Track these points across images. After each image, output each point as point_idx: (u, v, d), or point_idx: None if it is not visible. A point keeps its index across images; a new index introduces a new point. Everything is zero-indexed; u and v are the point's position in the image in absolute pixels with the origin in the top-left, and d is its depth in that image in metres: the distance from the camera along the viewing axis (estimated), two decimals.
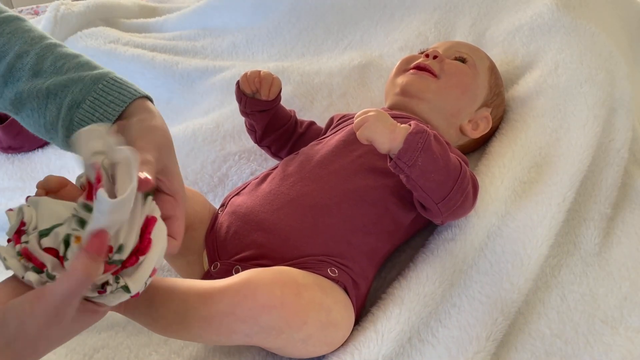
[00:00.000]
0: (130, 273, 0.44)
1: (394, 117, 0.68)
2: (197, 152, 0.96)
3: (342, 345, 0.61)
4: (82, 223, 0.43)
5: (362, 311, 0.67)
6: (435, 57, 0.82)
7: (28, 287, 0.43)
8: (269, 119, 0.82)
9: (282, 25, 1.23)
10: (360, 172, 0.70)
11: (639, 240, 0.72)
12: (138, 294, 0.46)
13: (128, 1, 1.47)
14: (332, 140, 0.76)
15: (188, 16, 1.36)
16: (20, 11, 1.67)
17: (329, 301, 0.59)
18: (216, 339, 0.57)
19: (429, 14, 1.09)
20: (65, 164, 1.08)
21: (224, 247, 0.67)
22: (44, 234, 0.43)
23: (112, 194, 0.41)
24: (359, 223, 0.67)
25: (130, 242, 0.43)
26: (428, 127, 0.66)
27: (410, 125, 0.62)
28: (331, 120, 0.85)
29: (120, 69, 1.16)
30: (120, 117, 0.52)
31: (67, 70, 0.54)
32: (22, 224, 0.44)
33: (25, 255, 0.43)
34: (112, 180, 0.42)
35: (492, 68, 0.87)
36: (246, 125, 0.87)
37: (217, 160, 0.94)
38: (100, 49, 1.21)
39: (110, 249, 0.42)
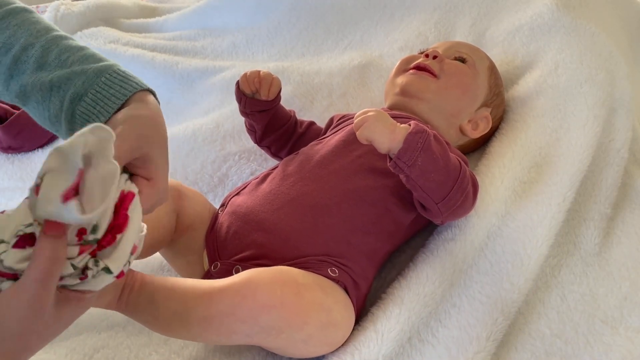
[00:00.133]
0: (108, 253, 0.43)
1: (394, 117, 0.68)
2: (197, 152, 0.96)
3: (342, 345, 0.61)
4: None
5: (362, 311, 0.67)
6: (435, 57, 0.82)
7: None
8: (268, 119, 0.82)
9: (282, 25, 1.23)
10: (360, 172, 0.70)
11: (639, 240, 0.72)
12: (123, 273, 0.44)
13: (128, 1, 1.47)
14: (332, 140, 0.76)
15: (188, 16, 1.36)
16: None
17: (329, 301, 0.59)
18: (216, 338, 0.57)
19: (429, 14, 1.09)
20: None
21: (224, 247, 0.67)
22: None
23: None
24: (358, 223, 0.67)
25: (105, 220, 0.42)
26: (428, 127, 0.66)
27: (410, 125, 0.62)
28: (331, 120, 0.85)
29: None
30: (119, 110, 0.52)
31: (72, 63, 0.54)
32: None
33: None
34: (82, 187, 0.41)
35: (492, 68, 0.87)
36: (246, 126, 0.87)
37: (217, 160, 0.94)
38: (100, 49, 1.21)
39: (84, 231, 0.41)
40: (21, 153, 1.14)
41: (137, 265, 0.78)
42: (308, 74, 1.04)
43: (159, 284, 0.56)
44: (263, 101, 0.80)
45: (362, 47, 1.12)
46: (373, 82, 1.02)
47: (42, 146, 1.15)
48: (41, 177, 0.39)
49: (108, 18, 1.39)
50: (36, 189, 0.39)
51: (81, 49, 0.56)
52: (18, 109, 1.14)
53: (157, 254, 0.73)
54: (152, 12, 1.49)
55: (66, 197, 0.39)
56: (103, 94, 0.51)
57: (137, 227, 0.45)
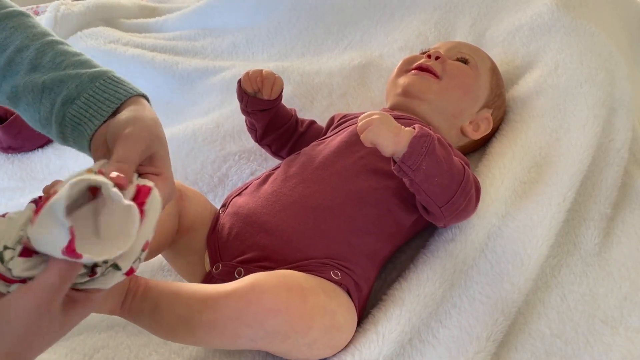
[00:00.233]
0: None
1: (395, 117, 0.68)
2: (197, 152, 0.96)
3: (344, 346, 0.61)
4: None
5: (363, 312, 0.67)
6: (437, 58, 0.82)
7: None
8: (270, 118, 0.82)
9: (282, 25, 1.23)
10: (363, 174, 0.70)
11: (639, 240, 0.72)
12: (132, 270, 0.44)
13: (128, 1, 1.47)
14: (334, 141, 0.76)
15: (188, 16, 1.36)
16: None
17: (333, 305, 0.59)
18: (220, 343, 0.57)
19: (429, 14, 1.09)
20: (65, 164, 1.08)
21: (226, 248, 0.67)
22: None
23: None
24: (360, 224, 0.67)
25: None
26: (431, 129, 0.66)
27: (414, 128, 0.62)
28: (332, 119, 0.85)
29: (120, 69, 1.16)
30: (113, 115, 0.52)
31: (66, 67, 0.54)
32: None
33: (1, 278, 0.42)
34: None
35: (494, 69, 0.87)
36: (247, 124, 0.87)
37: (217, 160, 0.94)
38: (100, 49, 1.21)
39: None
40: (21, 153, 1.14)
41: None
42: (308, 74, 1.04)
43: (163, 289, 0.56)
44: (265, 100, 0.80)
45: (362, 47, 1.12)
46: (373, 82, 1.02)
47: (42, 146, 1.15)
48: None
49: (108, 18, 1.39)
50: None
51: (77, 54, 0.56)
52: None
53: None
54: (152, 12, 1.48)
55: (66, 252, 0.39)
56: (97, 97, 0.52)
57: (153, 223, 0.44)
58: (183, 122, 1.05)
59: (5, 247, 0.40)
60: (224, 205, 0.74)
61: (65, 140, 0.54)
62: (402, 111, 0.81)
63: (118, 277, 0.44)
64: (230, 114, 0.99)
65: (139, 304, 0.55)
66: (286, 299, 0.55)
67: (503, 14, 1.02)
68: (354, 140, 0.73)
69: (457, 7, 1.07)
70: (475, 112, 0.82)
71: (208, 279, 0.66)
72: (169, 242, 0.69)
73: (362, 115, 0.63)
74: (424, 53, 0.86)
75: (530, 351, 0.63)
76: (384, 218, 0.69)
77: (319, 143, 0.78)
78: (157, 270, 0.79)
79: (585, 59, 0.86)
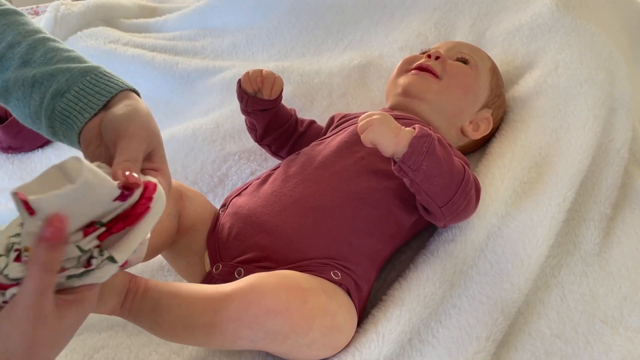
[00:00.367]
0: (113, 242, 0.42)
1: (395, 117, 0.68)
2: (197, 152, 0.96)
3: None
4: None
5: (363, 312, 0.67)
6: (437, 58, 0.82)
7: None
8: (269, 118, 0.82)
9: (282, 25, 1.23)
10: (363, 174, 0.70)
11: (639, 240, 0.72)
12: (127, 262, 0.44)
13: (128, 1, 1.47)
14: (334, 141, 0.76)
15: (188, 16, 1.36)
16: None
17: (333, 305, 0.59)
18: (221, 344, 0.57)
19: (429, 14, 1.09)
20: None
21: (226, 248, 0.67)
22: None
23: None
24: (361, 225, 0.67)
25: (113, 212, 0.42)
26: (431, 129, 0.66)
27: (414, 128, 0.62)
28: (332, 119, 0.85)
29: (120, 69, 1.18)
30: (104, 109, 0.52)
31: (57, 62, 0.54)
32: None
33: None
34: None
35: (494, 69, 0.87)
36: (247, 124, 0.87)
37: (217, 160, 0.94)
38: (100, 49, 1.21)
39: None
40: (21, 153, 1.14)
41: (137, 266, 0.78)
42: (308, 74, 1.04)
43: (163, 290, 0.56)
44: (265, 100, 0.80)
45: (362, 47, 1.12)
46: (373, 82, 1.02)
47: (42, 146, 1.15)
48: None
49: (108, 18, 1.39)
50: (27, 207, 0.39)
51: (68, 50, 0.56)
52: None
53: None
54: (152, 12, 1.49)
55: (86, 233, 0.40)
56: (87, 91, 0.51)
57: (156, 218, 0.44)
58: (183, 122, 1.05)
59: None
60: (223, 206, 0.74)
61: (55, 135, 0.54)
62: (402, 111, 0.81)
63: (113, 270, 0.43)
64: (230, 114, 0.99)
65: (139, 305, 0.55)
66: (286, 300, 0.55)
67: (503, 14, 1.02)
68: (354, 141, 0.73)
69: (457, 7, 1.07)
70: (475, 112, 0.82)
71: (208, 279, 0.66)
72: (169, 242, 0.69)
73: (362, 116, 0.63)
74: (424, 53, 0.86)
75: (530, 351, 0.63)
76: (384, 219, 0.69)
77: (318, 143, 0.78)
78: (157, 270, 0.79)
79: (585, 59, 0.86)
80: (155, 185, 0.44)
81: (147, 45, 1.25)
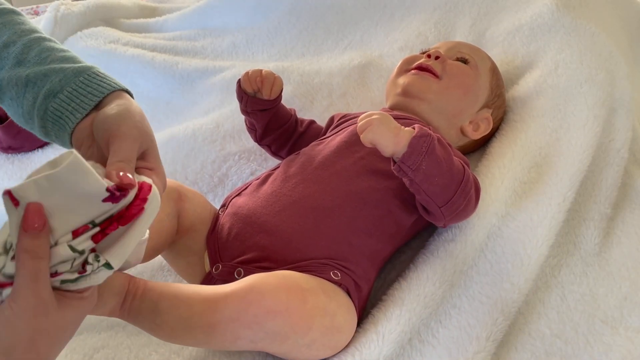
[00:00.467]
0: (108, 245, 0.42)
1: (395, 117, 0.68)
2: (197, 152, 0.96)
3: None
4: None
5: (363, 312, 0.67)
6: (437, 58, 0.82)
7: None
8: (269, 118, 0.82)
9: (282, 25, 1.23)
10: (363, 174, 0.70)
11: (639, 240, 0.72)
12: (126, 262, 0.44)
13: (128, 1, 1.47)
14: (334, 141, 0.76)
15: (188, 16, 1.36)
16: (21, 12, 1.67)
17: (333, 305, 0.59)
18: (221, 344, 0.57)
19: (429, 14, 1.09)
20: None
21: (226, 248, 0.67)
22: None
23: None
24: (361, 225, 0.67)
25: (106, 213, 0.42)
26: (430, 129, 0.66)
27: (414, 128, 0.62)
28: (331, 119, 0.85)
29: (120, 69, 1.18)
30: (96, 109, 0.52)
31: (51, 62, 0.54)
32: None
33: None
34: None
35: (494, 69, 0.87)
36: (246, 124, 0.87)
37: (217, 160, 0.94)
38: (100, 49, 1.21)
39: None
40: (21, 153, 1.14)
41: (137, 267, 0.78)
42: (308, 74, 1.04)
43: (163, 290, 0.56)
44: (264, 100, 0.80)
45: (362, 47, 1.12)
46: (373, 82, 1.02)
47: (42, 146, 1.15)
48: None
49: (108, 18, 1.39)
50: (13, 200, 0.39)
51: (63, 50, 0.56)
52: None
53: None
54: (152, 12, 1.49)
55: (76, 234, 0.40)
56: (79, 91, 0.51)
57: (151, 220, 0.44)
58: (183, 122, 1.05)
59: None
60: (223, 206, 0.74)
61: (47, 135, 0.54)
62: (402, 111, 0.81)
63: (108, 274, 0.43)
64: (230, 114, 0.99)
65: (138, 305, 0.55)
66: (286, 300, 0.55)
67: (503, 14, 1.02)
68: (354, 141, 0.73)
69: (457, 7, 1.07)
70: (475, 112, 0.82)
71: (208, 279, 0.66)
72: (169, 242, 0.69)
73: (361, 116, 0.63)
74: (423, 53, 0.86)
75: (530, 351, 0.63)
76: (384, 219, 0.68)
77: (318, 143, 0.78)
78: (157, 271, 0.79)
79: (585, 59, 0.86)
80: (150, 186, 0.44)
81: (147, 45, 1.25)
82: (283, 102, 0.83)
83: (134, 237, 0.43)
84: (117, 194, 0.41)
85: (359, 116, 0.67)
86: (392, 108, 0.84)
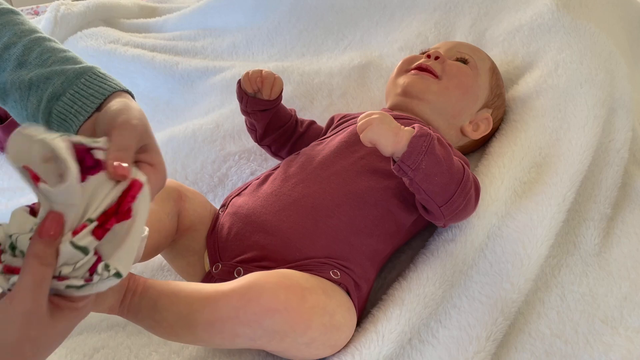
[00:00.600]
0: (114, 249, 0.42)
1: (395, 117, 0.68)
2: (197, 152, 0.96)
3: (344, 346, 0.61)
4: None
5: (363, 312, 0.67)
6: (436, 58, 0.82)
7: None
8: (269, 118, 0.82)
9: (282, 26, 1.23)
10: (362, 174, 0.70)
11: (639, 240, 0.72)
12: None
13: (128, 1, 1.47)
14: (334, 141, 0.76)
15: (188, 16, 1.36)
16: (20, 11, 1.67)
17: (332, 304, 0.59)
18: (220, 342, 0.57)
19: (429, 14, 1.09)
20: None
21: (226, 248, 0.67)
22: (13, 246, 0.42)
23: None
24: (360, 224, 0.67)
25: (98, 200, 0.42)
26: (430, 129, 0.66)
27: (414, 128, 0.62)
28: (331, 120, 0.85)
29: (120, 69, 1.18)
30: (98, 110, 0.52)
31: (52, 63, 0.54)
32: None
33: (8, 271, 0.42)
34: (59, 171, 0.41)
35: (493, 69, 0.87)
36: (246, 124, 0.87)
37: (217, 160, 0.94)
38: (100, 49, 1.21)
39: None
40: None
41: (137, 266, 0.78)
42: (308, 74, 1.04)
43: (162, 288, 0.56)
44: (264, 100, 0.80)
45: (362, 47, 1.12)
46: (373, 82, 1.02)
47: None
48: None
49: (108, 18, 1.39)
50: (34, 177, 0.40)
51: (63, 50, 0.56)
52: None
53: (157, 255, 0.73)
54: (152, 12, 1.49)
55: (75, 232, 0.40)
56: (81, 93, 0.52)
57: (145, 218, 0.44)
58: (183, 122, 1.05)
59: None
60: (223, 206, 0.74)
61: None
62: (401, 111, 0.81)
63: (114, 283, 0.43)
64: (230, 114, 0.99)
65: (137, 303, 0.55)
66: (285, 298, 0.56)
67: (503, 14, 1.02)
68: (354, 140, 0.73)
69: (457, 7, 1.07)
70: (474, 112, 0.82)
71: (208, 278, 0.66)
72: (168, 242, 0.69)
73: (361, 115, 0.63)
74: (423, 53, 0.86)
75: (530, 351, 0.63)
76: (384, 218, 0.69)
77: (318, 143, 0.78)
78: (157, 270, 0.79)
79: (585, 59, 0.86)
80: (140, 185, 0.44)
81: (147, 45, 1.25)
82: (283, 102, 0.83)
83: (134, 238, 0.43)
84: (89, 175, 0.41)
85: (358, 116, 0.67)
86: (392, 108, 0.84)
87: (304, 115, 0.95)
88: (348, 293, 0.63)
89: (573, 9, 0.93)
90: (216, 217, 0.72)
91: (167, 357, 0.65)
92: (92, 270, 0.42)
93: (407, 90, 0.82)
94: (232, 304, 0.54)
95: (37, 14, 1.63)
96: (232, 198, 0.74)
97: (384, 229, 0.69)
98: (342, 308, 0.61)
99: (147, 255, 0.66)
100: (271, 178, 0.74)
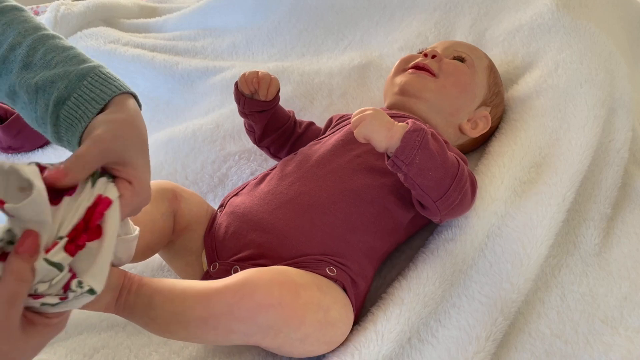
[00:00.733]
0: (87, 267, 0.42)
1: (393, 116, 0.68)
2: (197, 152, 0.96)
3: (342, 345, 0.61)
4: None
5: (362, 311, 0.67)
6: (433, 57, 0.83)
7: None
8: (267, 119, 0.82)
9: (282, 26, 1.23)
10: (359, 172, 0.70)
11: (639, 240, 0.72)
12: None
13: (128, 1, 1.47)
14: (331, 140, 0.76)
15: (188, 16, 1.36)
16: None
17: (327, 300, 0.59)
18: (214, 339, 0.57)
19: (429, 14, 1.09)
20: None
21: (223, 247, 0.68)
22: None
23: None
24: (357, 222, 0.67)
25: (69, 219, 0.42)
26: (426, 125, 0.66)
27: (407, 123, 0.62)
28: (330, 120, 0.86)
29: (120, 69, 1.18)
30: (100, 113, 0.52)
31: (56, 65, 0.54)
32: None
33: None
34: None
35: (491, 67, 0.87)
36: (245, 126, 0.87)
37: (217, 160, 0.94)
38: (100, 49, 1.21)
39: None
40: (21, 153, 1.14)
41: (137, 266, 0.78)
42: (308, 74, 1.04)
43: (157, 286, 0.56)
44: (262, 101, 0.80)
45: (362, 47, 1.12)
46: (373, 82, 1.02)
47: (42, 146, 1.15)
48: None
49: (108, 18, 1.39)
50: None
51: (66, 49, 0.56)
52: None
53: (157, 255, 0.73)
54: (152, 12, 1.49)
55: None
56: (85, 97, 0.52)
57: (115, 234, 0.44)
58: (183, 122, 1.05)
59: None
60: (221, 206, 0.75)
61: (59, 140, 0.54)
62: (400, 110, 0.81)
63: (90, 299, 0.44)
64: (230, 114, 0.99)
65: (133, 301, 0.55)
66: (278, 294, 0.56)
67: (503, 14, 1.02)
68: (350, 139, 0.73)
69: (457, 7, 1.08)
70: (472, 110, 0.82)
71: (206, 278, 0.66)
72: (165, 242, 0.69)
73: (355, 112, 0.64)
74: (421, 52, 0.86)
75: (530, 351, 0.63)
76: (380, 215, 0.69)
77: (315, 142, 0.78)
78: (157, 271, 0.79)
79: (585, 59, 0.86)
80: (109, 203, 0.44)
81: (147, 45, 1.25)
82: (283, 102, 0.83)
83: (106, 254, 0.43)
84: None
85: None
86: (390, 107, 0.84)
87: (304, 115, 0.95)
88: (345, 290, 0.63)
89: (573, 9, 0.93)
90: (214, 217, 0.73)
91: (167, 357, 0.65)
92: (66, 287, 0.42)
93: (405, 89, 0.82)
94: (226, 300, 0.55)
95: (37, 14, 1.63)
96: (230, 198, 0.74)
97: (381, 226, 0.69)
98: (338, 304, 0.61)
99: (142, 255, 0.66)
100: (268, 177, 0.74)
